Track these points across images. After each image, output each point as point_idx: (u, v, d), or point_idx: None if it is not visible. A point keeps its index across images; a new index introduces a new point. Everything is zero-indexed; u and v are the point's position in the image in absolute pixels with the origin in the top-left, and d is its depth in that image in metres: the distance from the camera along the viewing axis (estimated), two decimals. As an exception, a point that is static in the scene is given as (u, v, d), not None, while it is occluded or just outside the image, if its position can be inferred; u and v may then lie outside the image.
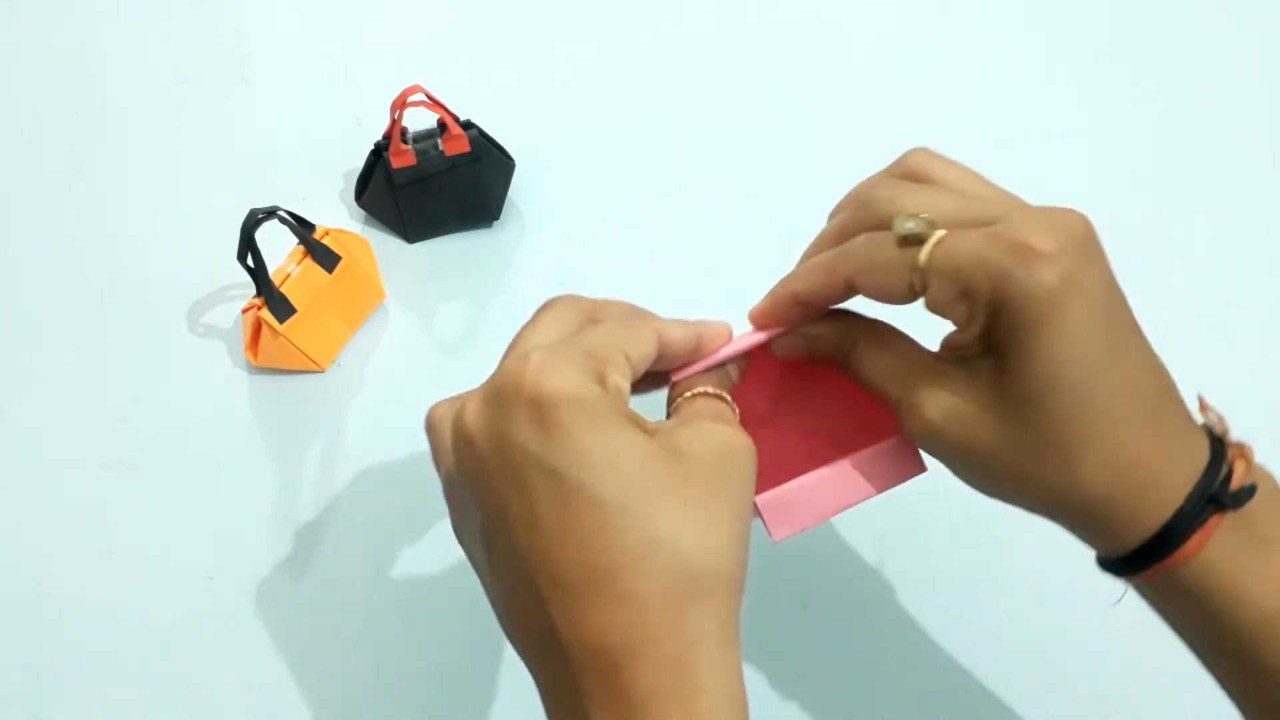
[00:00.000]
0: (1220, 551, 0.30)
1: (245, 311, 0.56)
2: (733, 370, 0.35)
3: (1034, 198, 0.32)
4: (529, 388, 0.28)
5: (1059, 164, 0.66)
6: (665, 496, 0.28)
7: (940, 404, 0.31)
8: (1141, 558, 0.30)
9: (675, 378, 0.35)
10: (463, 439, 0.29)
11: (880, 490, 0.34)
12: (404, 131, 0.59)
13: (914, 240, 0.30)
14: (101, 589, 0.52)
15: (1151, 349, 0.31)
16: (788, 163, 0.66)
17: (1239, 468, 0.30)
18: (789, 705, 0.48)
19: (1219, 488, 0.29)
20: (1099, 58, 0.72)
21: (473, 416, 0.29)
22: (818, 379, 0.38)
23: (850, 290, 0.33)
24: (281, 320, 0.55)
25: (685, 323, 0.34)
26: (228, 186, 0.66)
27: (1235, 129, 0.68)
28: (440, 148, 0.59)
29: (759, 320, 0.36)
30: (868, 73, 0.71)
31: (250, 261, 0.53)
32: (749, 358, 0.36)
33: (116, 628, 0.51)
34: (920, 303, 0.31)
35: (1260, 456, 0.32)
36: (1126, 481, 0.29)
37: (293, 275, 0.56)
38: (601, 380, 0.29)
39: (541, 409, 0.27)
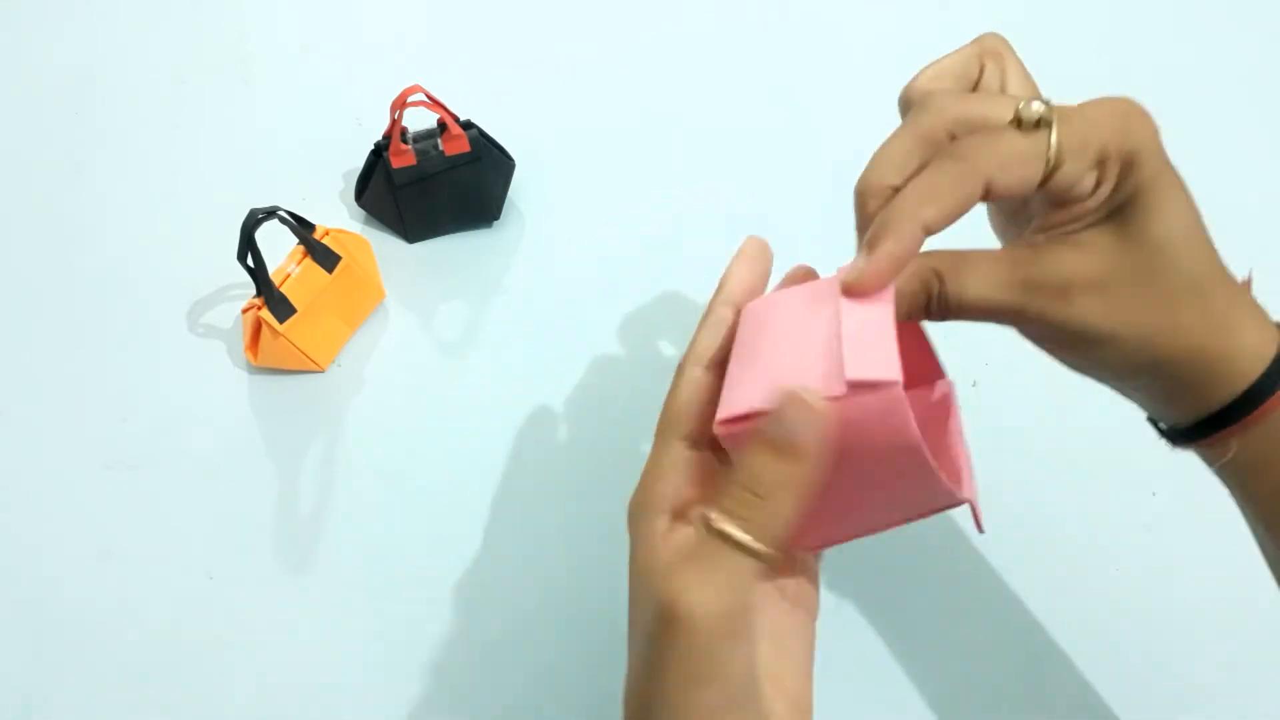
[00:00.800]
0: None
1: (245, 311, 0.56)
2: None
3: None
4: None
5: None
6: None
7: (1076, 269, 0.31)
8: (1230, 413, 0.31)
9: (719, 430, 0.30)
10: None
11: (909, 519, 0.33)
12: (404, 131, 0.59)
13: (1040, 124, 0.31)
14: (101, 589, 0.52)
15: None
16: (788, 163, 0.66)
17: None
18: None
19: None
20: (1099, 58, 0.72)
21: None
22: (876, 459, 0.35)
23: (986, 195, 0.30)
24: (281, 320, 0.55)
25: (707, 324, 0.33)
26: (228, 186, 0.66)
27: (1236, 129, 0.68)
28: (440, 148, 0.59)
29: (883, 275, 0.29)
30: (868, 73, 0.71)
31: (250, 261, 0.53)
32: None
33: (116, 628, 0.51)
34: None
35: None
36: (1231, 327, 0.31)
37: (293, 275, 0.56)
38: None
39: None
